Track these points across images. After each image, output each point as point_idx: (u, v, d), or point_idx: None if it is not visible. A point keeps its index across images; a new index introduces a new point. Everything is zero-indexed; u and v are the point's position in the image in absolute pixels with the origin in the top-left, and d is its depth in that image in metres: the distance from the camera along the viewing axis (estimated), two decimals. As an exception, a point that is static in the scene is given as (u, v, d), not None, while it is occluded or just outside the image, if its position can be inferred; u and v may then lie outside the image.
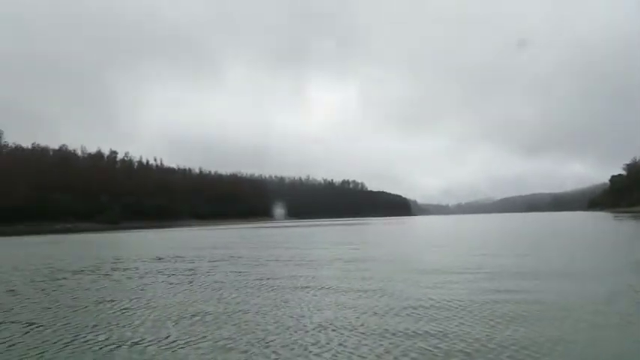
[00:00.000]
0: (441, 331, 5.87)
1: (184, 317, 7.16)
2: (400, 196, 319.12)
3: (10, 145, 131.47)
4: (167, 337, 6.03)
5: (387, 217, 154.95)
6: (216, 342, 5.77)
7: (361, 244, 24.34)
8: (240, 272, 12.68)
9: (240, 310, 7.54)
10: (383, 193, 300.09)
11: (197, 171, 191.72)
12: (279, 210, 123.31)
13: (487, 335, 5.64)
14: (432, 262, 13.65)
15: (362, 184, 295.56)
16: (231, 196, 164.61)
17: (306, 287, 9.40)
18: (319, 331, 6.08)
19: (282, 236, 36.52)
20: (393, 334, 5.80)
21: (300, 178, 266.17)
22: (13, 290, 10.86)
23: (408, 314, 6.87)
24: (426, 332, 5.86)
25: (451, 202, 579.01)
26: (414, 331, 5.92)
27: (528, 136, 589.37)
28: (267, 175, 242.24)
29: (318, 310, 7.33)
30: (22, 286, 11.36)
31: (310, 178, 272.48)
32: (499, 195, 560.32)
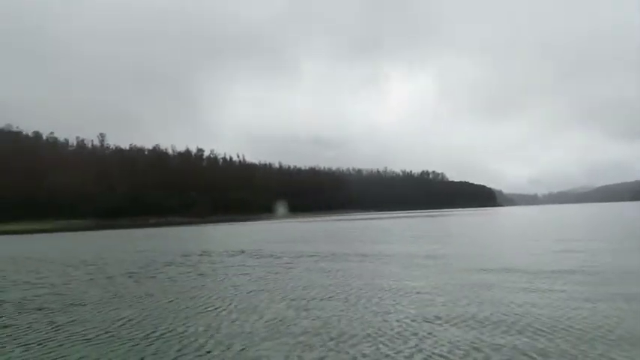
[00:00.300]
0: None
1: (267, 312, 7.07)
2: (484, 187, 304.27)
3: (111, 146, 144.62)
4: (249, 332, 5.94)
5: (471, 209, 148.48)
6: (295, 337, 5.57)
7: (444, 239, 23.27)
8: (318, 268, 12.52)
9: (318, 308, 7.30)
10: (465, 183, 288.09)
11: (277, 166, 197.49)
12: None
13: None
14: (529, 261, 12.41)
15: (442, 174, 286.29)
16: (310, 190, 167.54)
17: (388, 289, 8.93)
18: (400, 340, 5.64)
19: (362, 230, 36.19)
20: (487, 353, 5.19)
21: (378, 170, 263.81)
22: (111, 278, 11.66)
23: (504, 329, 5.66)
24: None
25: (540, 191, 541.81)
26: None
27: (633, 118, 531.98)
28: (344, 168, 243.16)
29: (398, 315, 6.87)
30: (120, 277, 12.10)
31: (388, 169, 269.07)
32: (597, 183, 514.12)
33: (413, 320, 6.18)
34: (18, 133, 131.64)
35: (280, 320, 6.48)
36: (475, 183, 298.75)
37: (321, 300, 7.79)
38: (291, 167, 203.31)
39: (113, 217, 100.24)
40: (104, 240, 36.22)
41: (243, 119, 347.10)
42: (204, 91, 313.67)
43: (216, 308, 7.51)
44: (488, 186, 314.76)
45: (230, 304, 7.74)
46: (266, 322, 6.44)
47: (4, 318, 7.55)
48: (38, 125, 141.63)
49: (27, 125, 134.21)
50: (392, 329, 5.79)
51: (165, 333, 6.14)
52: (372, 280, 9.62)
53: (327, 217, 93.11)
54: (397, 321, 6.17)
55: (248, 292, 8.84)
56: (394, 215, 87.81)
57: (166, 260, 15.94)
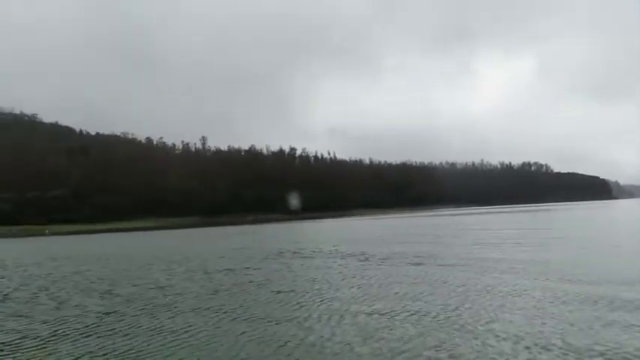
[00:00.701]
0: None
1: (359, 314, 6.77)
2: (596, 177, 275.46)
3: (212, 148, 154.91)
4: (342, 334, 5.68)
5: (581, 202, 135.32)
6: (388, 342, 5.20)
7: (557, 240, 21.19)
8: (412, 273, 11.95)
9: (411, 312, 6.82)
10: (573, 174, 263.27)
11: (367, 162, 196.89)
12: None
13: None
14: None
15: (546, 165, 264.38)
16: (402, 185, 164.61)
17: (490, 305, 8.13)
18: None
19: (456, 226, 34.47)
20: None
21: (474, 163, 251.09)
22: (209, 274, 12.20)
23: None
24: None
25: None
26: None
27: None
28: (437, 162, 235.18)
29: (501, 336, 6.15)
30: (217, 274, 12.60)
31: (485, 162, 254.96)
32: None
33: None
34: (133, 140, 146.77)
35: (373, 321, 6.14)
36: (586, 174, 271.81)
37: (413, 314, 7.30)
38: (382, 162, 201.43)
39: (215, 215, 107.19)
40: (205, 237, 38.66)
41: (334, 117, 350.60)
42: (295, 91, 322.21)
43: (307, 308, 7.37)
44: (601, 177, 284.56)
45: (321, 304, 7.57)
46: (358, 325, 6.14)
47: (113, 310, 8.13)
48: (149, 131, 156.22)
49: (141, 132, 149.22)
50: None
51: (256, 331, 6.11)
52: (470, 288, 8.88)
53: (421, 213, 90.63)
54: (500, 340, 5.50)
55: (339, 293, 8.61)
56: (493, 210, 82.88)
57: (261, 257, 16.39)
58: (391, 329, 5.82)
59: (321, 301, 7.85)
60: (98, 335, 6.44)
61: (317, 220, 79.00)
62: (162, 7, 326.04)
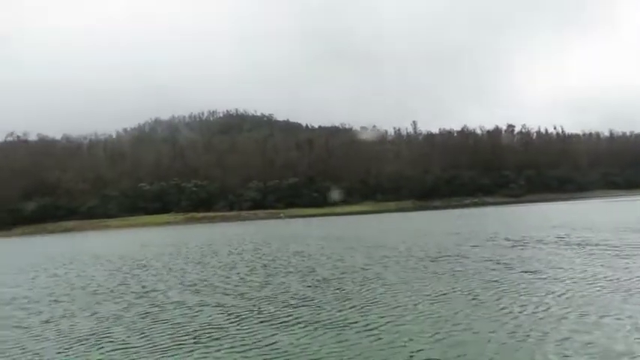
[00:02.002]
0: None
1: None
2: None
3: (423, 132, 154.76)
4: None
5: None
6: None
7: None
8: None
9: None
10: None
11: (607, 134, 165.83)
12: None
13: None
14: None
15: None
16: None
17: None
18: None
19: None
20: None
21: None
22: (413, 260, 12.05)
23: None
24: None
25: None
26: None
27: None
28: None
29: None
30: (421, 261, 12.33)
31: None
32: None
33: None
34: (349, 130, 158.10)
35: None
36: None
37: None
38: (629, 134, 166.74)
39: (429, 199, 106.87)
40: (417, 221, 38.76)
41: (557, 88, 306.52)
42: (505, 64, 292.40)
43: (519, 309, 6.52)
44: None
45: (546, 304, 6.59)
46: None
47: (314, 289, 8.73)
48: (362, 121, 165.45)
49: (357, 121, 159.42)
50: None
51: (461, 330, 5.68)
52: None
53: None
54: None
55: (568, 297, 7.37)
56: None
57: (473, 243, 15.44)
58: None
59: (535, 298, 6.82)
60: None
61: (542, 203, 70.76)
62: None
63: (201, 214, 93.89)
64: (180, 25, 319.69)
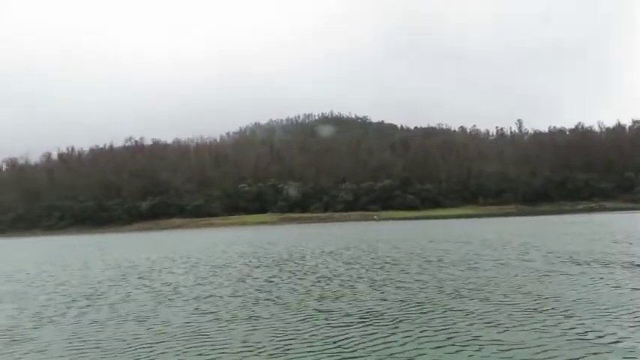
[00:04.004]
0: None
1: None
2: None
3: (529, 131, 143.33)
4: None
5: None
6: None
7: None
8: None
9: None
10: None
11: None
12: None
13: None
14: None
15: None
16: None
17: None
18: None
19: None
20: None
21: None
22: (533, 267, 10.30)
23: None
24: None
25: None
26: None
27: None
28: None
29: None
30: (521, 270, 10.52)
31: None
32: None
33: None
34: (447, 130, 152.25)
35: None
36: None
37: None
38: None
39: (535, 203, 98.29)
40: (523, 227, 35.14)
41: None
42: (625, 59, 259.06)
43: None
44: None
45: None
46: None
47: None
48: (461, 121, 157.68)
49: (454, 122, 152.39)
50: None
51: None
52: None
53: None
54: None
55: None
56: None
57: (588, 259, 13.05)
58: None
59: None
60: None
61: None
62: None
63: (296, 215, 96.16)
64: (278, 36, 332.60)
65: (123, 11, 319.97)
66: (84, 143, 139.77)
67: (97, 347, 6.35)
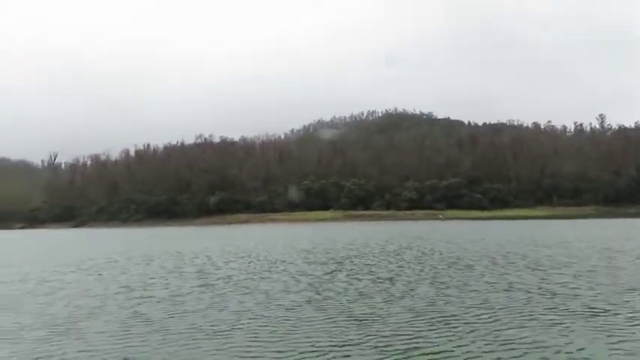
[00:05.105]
0: None
1: None
2: None
3: (613, 127, 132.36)
4: None
5: None
6: None
7: None
8: None
9: None
10: None
11: None
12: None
13: None
14: None
15: None
16: None
17: None
18: None
19: None
20: None
21: None
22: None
23: None
24: None
25: None
26: None
27: None
28: None
29: None
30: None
31: None
32: None
33: None
34: (519, 126, 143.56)
35: None
36: None
37: None
38: None
39: (619, 204, 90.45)
40: (602, 229, 32.34)
41: None
42: None
43: None
44: None
45: None
46: None
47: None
48: (534, 116, 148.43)
49: (527, 117, 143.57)
50: None
51: None
52: None
53: None
54: None
55: None
56: None
57: None
58: None
59: None
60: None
61: None
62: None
63: (359, 212, 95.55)
64: (342, 33, 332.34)
65: (191, 11, 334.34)
66: (158, 140, 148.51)
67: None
